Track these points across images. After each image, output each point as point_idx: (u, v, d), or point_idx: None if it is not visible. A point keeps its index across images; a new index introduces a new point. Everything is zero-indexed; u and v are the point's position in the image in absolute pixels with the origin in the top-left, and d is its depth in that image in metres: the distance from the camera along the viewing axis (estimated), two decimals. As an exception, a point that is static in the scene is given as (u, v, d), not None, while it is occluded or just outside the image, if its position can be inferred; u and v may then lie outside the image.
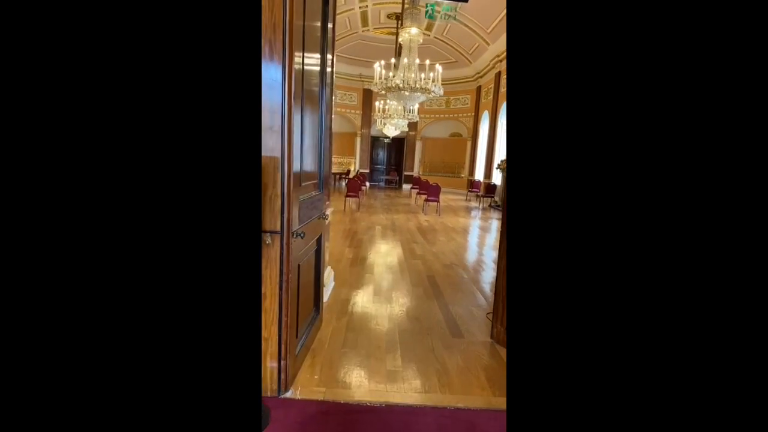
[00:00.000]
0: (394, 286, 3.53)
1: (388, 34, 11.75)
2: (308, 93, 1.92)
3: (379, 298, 3.20)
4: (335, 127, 15.62)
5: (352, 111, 14.75)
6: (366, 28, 12.01)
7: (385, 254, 4.77)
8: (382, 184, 15.89)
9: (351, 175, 12.87)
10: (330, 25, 2.44)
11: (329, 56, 2.49)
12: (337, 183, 14.17)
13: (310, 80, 1.97)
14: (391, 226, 6.81)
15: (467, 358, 2.25)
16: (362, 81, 13.82)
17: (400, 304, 3.07)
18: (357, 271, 3.93)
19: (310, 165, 2.04)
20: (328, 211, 3.10)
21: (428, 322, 2.75)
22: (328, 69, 2.45)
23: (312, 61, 1.98)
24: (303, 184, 1.87)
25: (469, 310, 3.03)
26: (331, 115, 2.88)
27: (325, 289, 3.03)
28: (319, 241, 2.34)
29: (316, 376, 1.97)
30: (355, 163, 15.25)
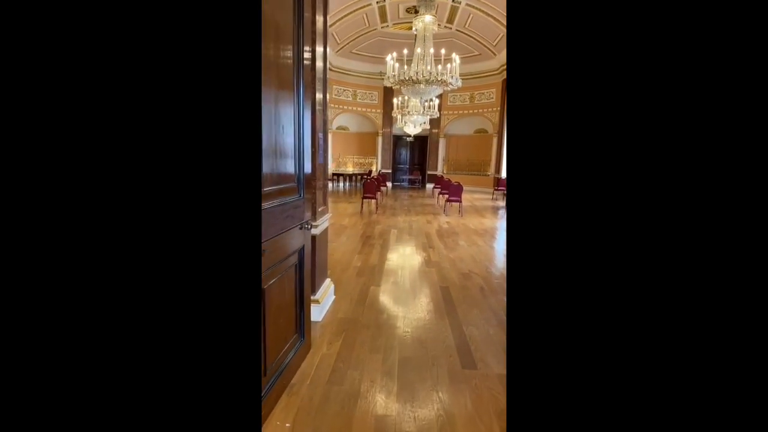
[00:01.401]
0: (401, 301, 3.13)
1: (408, 29, 11.32)
2: (277, 88, 1.60)
3: (382, 316, 2.82)
4: (355, 127, 15.24)
5: (373, 110, 14.40)
6: (385, 24, 11.64)
7: (396, 262, 4.38)
8: (405, 184, 15.47)
9: (373, 175, 12.54)
10: (309, 15, 2.09)
11: (310, 48, 2.14)
12: (358, 184, 13.89)
13: (280, 74, 1.64)
14: (408, 229, 6.41)
15: (478, 399, 1.84)
16: (382, 79, 13.42)
17: (404, 324, 2.68)
18: (363, 282, 3.56)
19: (280, 167, 1.69)
20: (324, 218, 2.75)
21: (435, 349, 2.34)
22: (309, 62, 2.10)
23: (281, 53, 1.66)
24: (265, 189, 1.53)
25: (486, 332, 2.60)
26: (321, 111, 2.54)
27: (320, 306, 2.69)
28: (300, 255, 1.99)
29: (287, 424, 1.62)
30: (376, 163, 14.92)
